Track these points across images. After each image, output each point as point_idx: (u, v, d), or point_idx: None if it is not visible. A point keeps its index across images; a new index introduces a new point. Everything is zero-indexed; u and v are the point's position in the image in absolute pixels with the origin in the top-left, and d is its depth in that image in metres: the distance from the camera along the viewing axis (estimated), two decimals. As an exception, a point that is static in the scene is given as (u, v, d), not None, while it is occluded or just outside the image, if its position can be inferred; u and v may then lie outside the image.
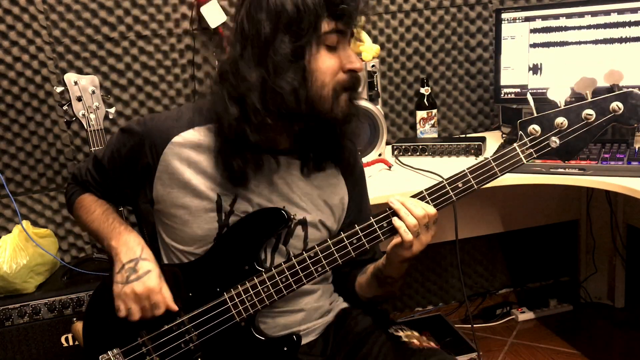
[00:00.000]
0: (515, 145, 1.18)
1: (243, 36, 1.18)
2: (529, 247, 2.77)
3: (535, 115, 1.17)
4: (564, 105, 1.18)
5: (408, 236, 1.17)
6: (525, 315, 2.64)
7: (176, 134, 1.29)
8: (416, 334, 1.36)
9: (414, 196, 1.21)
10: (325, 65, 1.17)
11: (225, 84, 1.21)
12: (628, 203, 2.52)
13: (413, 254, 1.20)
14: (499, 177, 1.20)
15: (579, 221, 2.70)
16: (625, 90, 1.15)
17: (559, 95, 1.20)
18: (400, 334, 1.35)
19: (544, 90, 1.28)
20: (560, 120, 1.16)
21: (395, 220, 1.19)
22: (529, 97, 1.30)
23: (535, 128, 1.17)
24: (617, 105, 1.14)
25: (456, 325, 2.47)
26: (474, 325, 2.31)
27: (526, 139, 1.18)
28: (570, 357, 2.36)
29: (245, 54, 1.18)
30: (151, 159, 1.30)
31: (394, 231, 1.20)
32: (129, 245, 1.31)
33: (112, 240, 1.33)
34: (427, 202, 1.20)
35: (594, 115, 1.15)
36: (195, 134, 1.29)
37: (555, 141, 1.16)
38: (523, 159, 1.18)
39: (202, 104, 1.34)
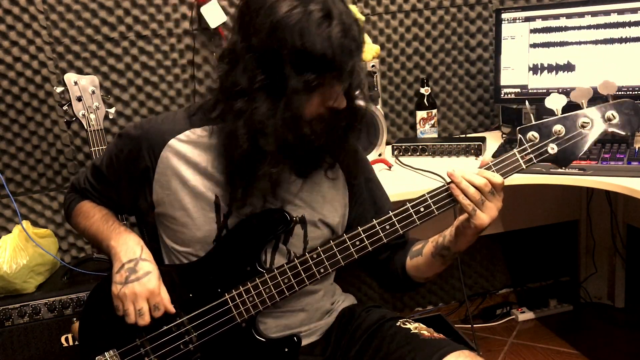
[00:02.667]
0: (515, 150, 1.22)
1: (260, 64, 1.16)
2: (529, 247, 2.76)
3: (534, 122, 1.22)
4: (561, 114, 1.23)
5: (468, 203, 1.16)
6: (525, 315, 2.64)
7: (173, 135, 1.30)
8: (424, 326, 1.36)
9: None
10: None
11: (235, 106, 1.19)
12: (628, 203, 2.52)
13: (484, 222, 1.17)
14: None
15: (579, 221, 2.70)
16: (619, 100, 1.21)
17: (556, 104, 1.26)
18: (409, 325, 1.35)
19: (544, 91, 1.30)
20: (558, 128, 1.20)
21: (454, 188, 1.18)
22: (527, 105, 1.37)
23: (534, 135, 1.21)
24: (611, 114, 1.19)
25: (456, 325, 2.47)
26: (474, 325, 2.31)
27: (526, 145, 1.21)
28: (570, 357, 2.36)
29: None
30: (149, 161, 1.30)
31: (449, 205, 1.20)
32: (128, 245, 1.30)
33: (112, 240, 1.32)
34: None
35: (590, 124, 1.20)
36: (193, 135, 1.30)
37: (553, 147, 1.20)
38: (522, 164, 1.21)
39: (198, 105, 1.33)
